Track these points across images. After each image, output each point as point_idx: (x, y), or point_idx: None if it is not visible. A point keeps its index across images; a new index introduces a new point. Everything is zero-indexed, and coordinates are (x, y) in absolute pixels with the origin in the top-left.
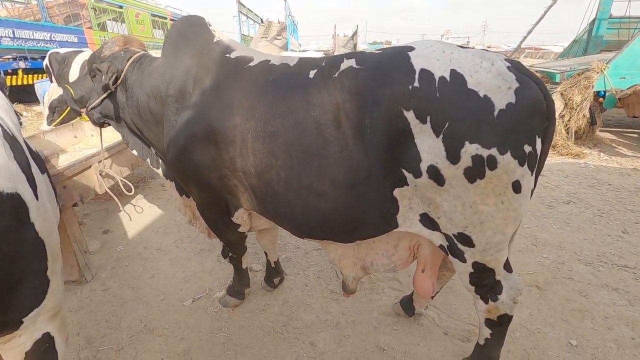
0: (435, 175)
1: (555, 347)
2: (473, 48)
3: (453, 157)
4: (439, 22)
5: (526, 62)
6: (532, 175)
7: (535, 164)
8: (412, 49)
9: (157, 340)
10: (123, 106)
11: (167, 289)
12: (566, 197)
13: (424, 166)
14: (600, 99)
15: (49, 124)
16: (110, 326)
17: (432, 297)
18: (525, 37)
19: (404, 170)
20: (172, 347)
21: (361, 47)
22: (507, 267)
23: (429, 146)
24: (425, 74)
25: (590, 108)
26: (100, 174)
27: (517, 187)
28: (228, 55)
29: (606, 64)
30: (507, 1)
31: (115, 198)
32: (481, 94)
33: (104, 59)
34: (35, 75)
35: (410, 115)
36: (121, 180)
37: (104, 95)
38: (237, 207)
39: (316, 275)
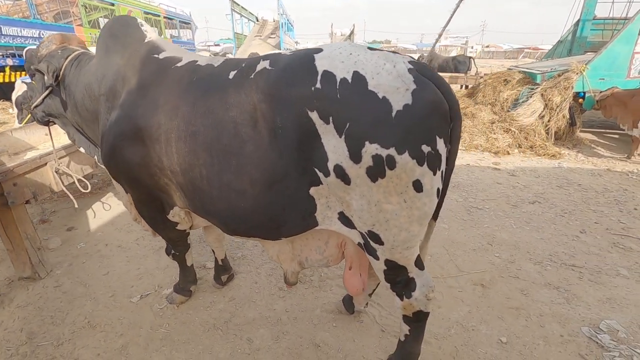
0: (342, 175)
1: (485, 344)
2: (381, 50)
3: (355, 156)
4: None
5: (522, 61)
6: (435, 174)
7: (438, 163)
8: (319, 51)
9: (98, 336)
10: (64, 104)
11: (118, 285)
12: (533, 197)
13: (330, 165)
14: (580, 100)
15: (20, 122)
16: (54, 322)
17: (370, 295)
18: (439, 36)
19: (316, 170)
20: (110, 343)
21: None
22: (419, 264)
23: (333, 146)
24: (328, 75)
25: (570, 109)
26: (57, 172)
27: (418, 186)
28: (156, 55)
29: (585, 65)
30: (506, 0)
31: (71, 196)
32: (380, 95)
33: (41, 58)
34: (24, 73)
35: (314, 115)
36: (77, 178)
37: (45, 94)
38: (171, 205)
39: (267, 273)
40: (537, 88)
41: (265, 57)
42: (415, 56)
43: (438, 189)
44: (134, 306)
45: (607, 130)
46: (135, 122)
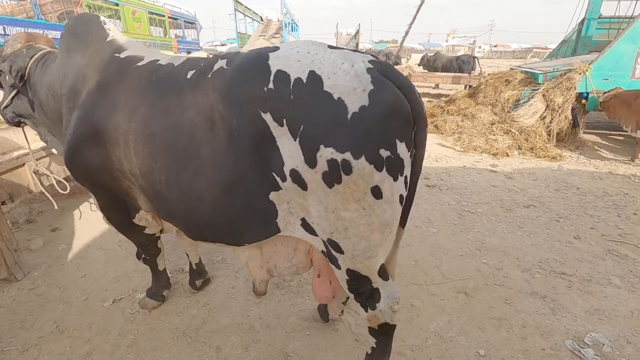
0: (298, 180)
1: (462, 357)
2: (341, 48)
3: (310, 161)
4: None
5: (530, 61)
6: (396, 180)
7: (399, 169)
8: (276, 49)
9: (65, 342)
10: (32, 105)
11: (93, 288)
12: (528, 201)
13: (287, 170)
14: (583, 101)
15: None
16: (23, 326)
17: (345, 303)
18: (406, 33)
19: (274, 174)
20: (76, 349)
21: (366, 46)
22: (383, 275)
23: (289, 150)
24: (281, 75)
25: (572, 110)
26: (36, 173)
27: (377, 192)
28: (118, 54)
29: (589, 64)
30: None
31: (50, 197)
32: (335, 97)
33: (6, 58)
34: None
35: (268, 117)
36: (56, 180)
37: (12, 94)
38: (137, 209)
39: (246, 278)
40: (538, 88)
41: (223, 56)
42: (419, 56)
43: (401, 196)
44: (106, 311)
45: (612, 132)
46: (95, 124)
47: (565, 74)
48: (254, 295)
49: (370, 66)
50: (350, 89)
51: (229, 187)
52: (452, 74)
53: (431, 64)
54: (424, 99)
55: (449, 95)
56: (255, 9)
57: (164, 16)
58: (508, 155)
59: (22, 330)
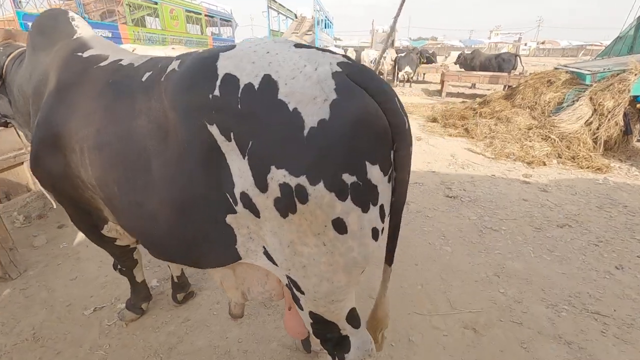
0: (249, 205)
1: None
2: (310, 47)
3: (261, 183)
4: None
5: (580, 59)
6: (366, 211)
7: (370, 197)
8: (230, 48)
9: (37, 351)
10: (12, 105)
11: (79, 294)
12: (563, 219)
13: (237, 192)
14: (638, 105)
15: None
16: (3, 330)
17: None
18: (392, 30)
19: (227, 195)
20: None
21: (404, 43)
22: (354, 321)
23: (238, 169)
24: (230, 80)
25: (624, 115)
26: None
27: (340, 226)
28: (80, 53)
29: None
30: None
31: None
32: (291, 107)
33: None
34: None
35: (214, 130)
36: None
37: None
38: (104, 220)
39: None
40: (585, 90)
41: (178, 57)
42: (456, 53)
43: (375, 229)
44: (85, 320)
45: None
46: (53, 128)
47: (618, 74)
48: (230, 317)
49: (338, 69)
50: (310, 97)
51: (181, 206)
52: (490, 73)
53: (468, 62)
54: (457, 100)
55: (485, 96)
56: (290, 6)
57: (200, 14)
58: (545, 165)
59: (1, 335)
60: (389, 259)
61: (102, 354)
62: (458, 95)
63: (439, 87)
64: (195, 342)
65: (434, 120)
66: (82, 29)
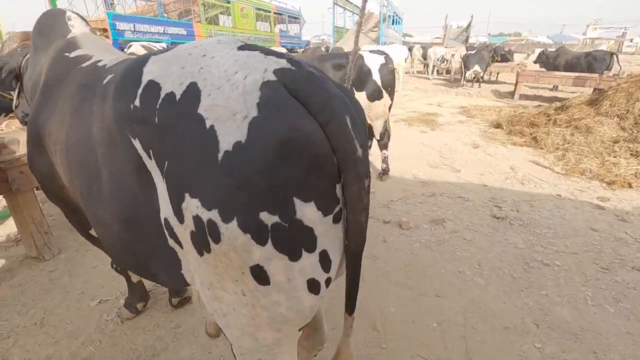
0: (172, 234)
1: None
2: (258, 48)
3: (178, 212)
4: (587, 9)
5: None
6: (297, 260)
7: (302, 243)
8: (163, 51)
9: (38, 337)
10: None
11: (93, 283)
12: None
13: (162, 218)
14: None
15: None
16: (21, 311)
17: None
18: (359, 26)
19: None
20: (41, 349)
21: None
22: None
23: (160, 191)
24: (152, 87)
25: None
26: None
27: (260, 276)
28: (68, 54)
29: None
30: None
31: None
32: (208, 124)
33: (4, 58)
34: None
35: (137, 144)
36: None
37: (15, 94)
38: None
39: None
40: None
41: (130, 59)
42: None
43: (314, 281)
44: (89, 311)
45: None
46: (38, 129)
47: None
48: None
49: (271, 78)
50: (230, 113)
51: (127, 222)
52: (575, 74)
53: (551, 61)
54: (531, 103)
55: (567, 100)
56: (357, 2)
57: (269, 12)
58: (630, 187)
59: (18, 315)
60: (349, 308)
61: (92, 350)
62: (535, 98)
63: (512, 88)
64: (179, 353)
65: (498, 126)
66: (77, 29)
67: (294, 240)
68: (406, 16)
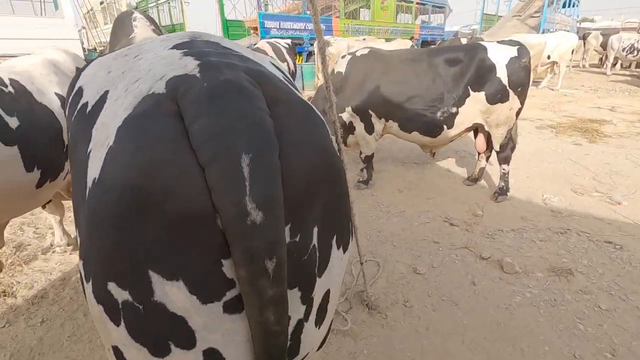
0: None
1: None
2: (189, 45)
3: None
4: None
5: None
6: (164, 358)
7: (169, 336)
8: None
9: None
10: None
11: None
12: None
13: None
14: None
15: None
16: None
17: None
18: None
19: None
20: (27, 341)
21: None
22: None
23: None
24: (77, 95)
25: None
26: None
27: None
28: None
29: None
30: None
31: None
32: (89, 148)
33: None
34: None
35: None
36: None
37: None
38: None
39: None
40: None
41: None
42: None
43: None
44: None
45: None
46: None
47: None
48: None
49: (159, 90)
50: (104, 136)
51: None
52: None
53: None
54: None
55: None
56: None
57: (411, 2)
58: None
59: (43, 300)
60: None
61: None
62: None
63: None
64: None
65: None
66: (140, 29)
67: (156, 330)
68: None
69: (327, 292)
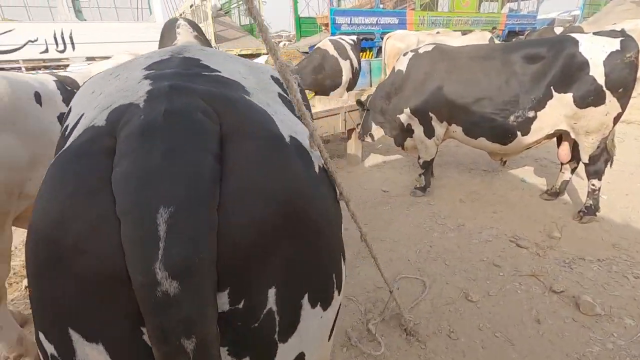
0: None
1: None
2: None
3: None
4: None
5: None
6: None
7: None
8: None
9: None
10: None
11: None
12: None
13: None
14: None
15: None
16: None
17: None
18: None
19: None
20: None
21: None
22: None
23: None
24: (65, 118)
25: None
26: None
27: None
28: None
29: None
30: None
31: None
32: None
33: None
34: (363, 54)
35: None
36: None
37: None
38: None
39: None
40: None
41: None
42: None
43: None
44: None
45: None
46: None
47: None
48: None
49: (100, 123)
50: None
51: None
52: None
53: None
54: None
55: None
56: None
57: None
58: None
59: None
60: None
61: None
62: None
63: None
64: None
65: None
66: (182, 36)
67: None
68: None
69: (301, 356)
